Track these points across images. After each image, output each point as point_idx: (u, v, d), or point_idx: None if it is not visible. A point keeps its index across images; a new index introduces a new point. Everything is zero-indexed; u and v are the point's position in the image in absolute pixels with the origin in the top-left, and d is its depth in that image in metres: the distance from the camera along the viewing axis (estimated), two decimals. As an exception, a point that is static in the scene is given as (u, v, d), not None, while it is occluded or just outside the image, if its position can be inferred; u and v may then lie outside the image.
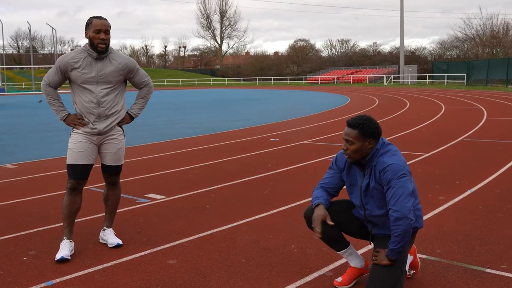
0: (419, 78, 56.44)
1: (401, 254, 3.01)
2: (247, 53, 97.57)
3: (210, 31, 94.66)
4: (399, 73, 58.16)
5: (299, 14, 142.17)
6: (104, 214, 4.39)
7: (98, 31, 3.86)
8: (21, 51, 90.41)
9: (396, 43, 71.26)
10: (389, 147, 3.14)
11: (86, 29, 3.92)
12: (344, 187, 3.39)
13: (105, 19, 3.93)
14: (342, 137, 3.19)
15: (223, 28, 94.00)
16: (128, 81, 4.22)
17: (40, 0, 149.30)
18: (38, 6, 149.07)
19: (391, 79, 56.64)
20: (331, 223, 3.16)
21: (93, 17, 3.92)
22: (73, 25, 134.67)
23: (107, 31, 3.89)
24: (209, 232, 4.54)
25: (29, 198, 5.96)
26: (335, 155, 3.43)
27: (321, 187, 3.35)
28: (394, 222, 2.95)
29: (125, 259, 3.92)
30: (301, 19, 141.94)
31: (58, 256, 3.88)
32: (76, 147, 3.99)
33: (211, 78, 76.91)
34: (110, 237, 4.24)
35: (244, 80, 75.56)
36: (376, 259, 3.06)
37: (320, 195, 3.29)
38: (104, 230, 4.32)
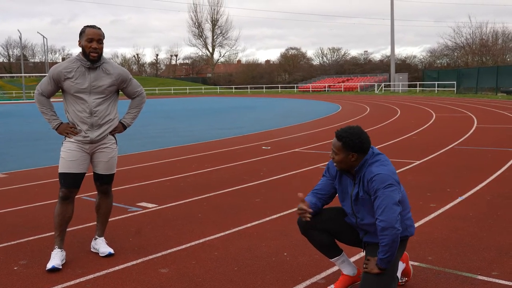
0: (409, 86, 56.78)
1: (390, 263, 3.02)
2: (239, 61, 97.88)
3: (201, 39, 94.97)
4: (390, 81, 58.50)
5: (292, 23, 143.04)
6: (95, 223, 4.38)
7: (90, 40, 3.87)
8: (11, 59, 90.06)
9: (388, 51, 71.78)
10: (378, 157, 3.16)
11: (79, 38, 3.93)
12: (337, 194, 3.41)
13: (99, 29, 3.94)
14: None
15: (215, 37, 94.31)
16: (120, 91, 4.23)
17: (33, 9, 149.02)
18: (30, 14, 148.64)
19: (382, 87, 56.94)
20: (309, 210, 3.19)
21: (87, 26, 3.93)
22: (66, 33, 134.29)
23: (99, 40, 3.90)
24: (201, 241, 4.54)
25: (20, 207, 5.93)
26: (326, 163, 3.45)
27: (312, 193, 3.38)
28: (381, 232, 2.97)
29: (116, 268, 3.91)
30: (294, 28, 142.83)
31: (49, 265, 3.86)
32: (68, 156, 3.98)
33: (202, 87, 76.93)
34: (101, 246, 4.22)
35: (235, 88, 75.63)
36: (367, 268, 3.07)
37: (307, 200, 3.33)
38: (95, 239, 4.31)
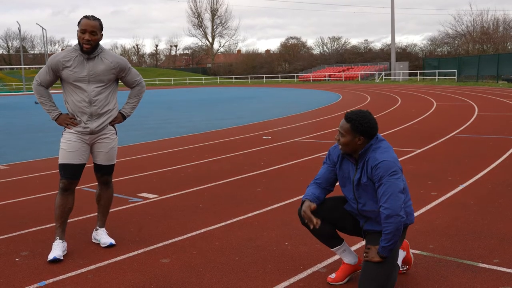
0: (410, 74, 56.61)
1: (392, 251, 3.02)
2: (239, 51, 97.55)
3: (201, 29, 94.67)
4: (390, 70, 58.33)
5: (293, 12, 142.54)
6: (96, 214, 4.38)
7: (83, 31, 3.84)
8: (11, 51, 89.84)
9: (388, 40, 71.28)
10: (382, 143, 3.15)
11: (78, 27, 3.91)
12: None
13: (94, 20, 3.88)
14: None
15: (214, 27, 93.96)
16: (119, 80, 4.21)
17: (33, 0, 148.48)
18: (31, 6, 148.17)
19: (382, 76, 56.80)
20: (316, 220, 3.16)
21: (84, 16, 3.90)
22: (66, 25, 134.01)
23: (93, 32, 3.85)
24: (202, 231, 4.54)
25: (21, 198, 5.93)
26: (327, 152, 3.43)
27: (314, 183, 3.36)
28: (385, 220, 2.97)
29: (118, 258, 3.91)
30: (294, 17, 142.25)
31: (50, 256, 3.86)
32: (68, 147, 3.97)
33: (202, 77, 76.80)
34: (103, 236, 4.23)
35: (236, 78, 75.51)
36: (367, 256, 3.07)
37: (310, 193, 3.30)
38: (96, 229, 4.31)
